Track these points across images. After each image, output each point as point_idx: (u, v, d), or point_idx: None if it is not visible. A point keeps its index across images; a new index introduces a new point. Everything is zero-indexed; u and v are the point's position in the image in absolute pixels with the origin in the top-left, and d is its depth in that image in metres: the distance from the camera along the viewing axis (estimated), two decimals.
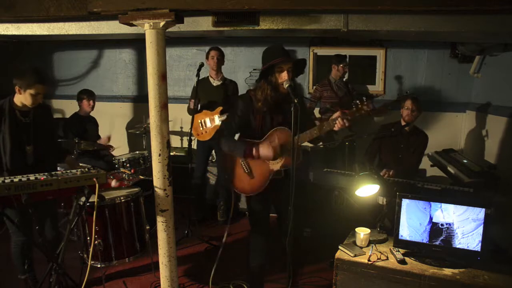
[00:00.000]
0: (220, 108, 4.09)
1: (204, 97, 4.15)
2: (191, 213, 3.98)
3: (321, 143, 4.15)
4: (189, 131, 3.94)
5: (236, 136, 2.61)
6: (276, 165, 2.47)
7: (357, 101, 2.32)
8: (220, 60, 4.11)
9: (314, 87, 4.70)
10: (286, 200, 2.34)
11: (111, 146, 4.54)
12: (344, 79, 4.64)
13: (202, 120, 4.11)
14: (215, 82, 4.13)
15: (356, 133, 4.24)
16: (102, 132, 4.65)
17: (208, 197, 4.61)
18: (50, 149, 2.82)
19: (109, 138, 4.48)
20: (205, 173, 4.43)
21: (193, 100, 4.00)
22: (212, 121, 4.10)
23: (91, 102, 4.35)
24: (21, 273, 2.85)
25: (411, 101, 3.47)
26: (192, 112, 3.90)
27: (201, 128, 4.13)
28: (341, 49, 4.94)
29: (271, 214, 2.70)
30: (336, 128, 2.32)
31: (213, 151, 4.44)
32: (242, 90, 4.35)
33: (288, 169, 2.41)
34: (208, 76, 4.17)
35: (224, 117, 4.02)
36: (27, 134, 2.64)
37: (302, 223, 3.69)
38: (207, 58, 4.15)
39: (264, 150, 2.37)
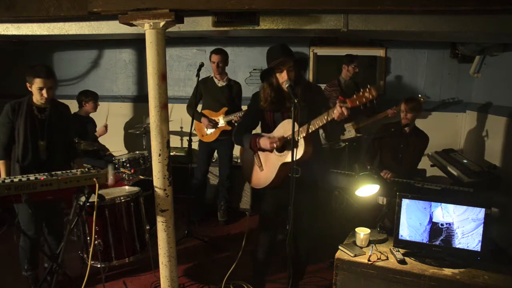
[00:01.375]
0: (225, 109, 4.08)
1: (208, 97, 4.14)
2: (190, 213, 3.98)
3: (325, 144, 4.16)
4: (189, 131, 3.94)
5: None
6: (282, 158, 2.48)
7: (361, 89, 2.18)
8: (222, 65, 4.03)
9: (324, 87, 4.67)
10: (301, 202, 2.34)
11: (107, 150, 4.53)
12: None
13: None
14: (220, 83, 4.11)
15: (362, 135, 4.21)
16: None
17: (208, 197, 4.61)
18: (64, 146, 2.90)
19: (106, 128, 4.47)
20: (206, 174, 4.43)
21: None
22: (217, 121, 4.09)
23: (98, 104, 4.41)
24: (24, 270, 2.85)
25: (404, 104, 3.47)
26: (193, 111, 3.90)
27: (206, 129, 4.13)
28: (341, 49, 4.93)
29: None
30: (335, 117, 2.19)
31: (215, 152, 4.43)
32: (244, 91, 4.34)
33: (305, 168, 2.40)
34: (212, 76, 4.15)
35: (229, 118, 4.03)
36: (41, 130, 2.73)
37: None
38: (210, 59, 4.10)
39: (263, 140, 2.48)
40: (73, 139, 3.14)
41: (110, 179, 3.41)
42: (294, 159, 2.22)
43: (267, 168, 2.59)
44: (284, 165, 2.47)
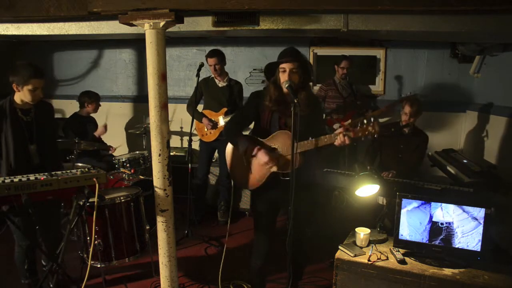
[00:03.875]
0: (225, 109, 4.08)
1: (209, 97, 4.14)
2: (191, 213, 3.98)
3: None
4: (190, 131, 3.94)
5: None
6: (273, 167, 2.46)
7: (364, 121, 2.23)
8: (220, 67, 4.00)
9: (319, 86, 4.69)
10: (295, 201, 2.33)
11: (111, 146, 4.54)
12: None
13: None
14: (221, 83, 4.11)
15: None
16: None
17: (208, 197, 4.61)
18: (53, 147, 2.78)
19: (105, 127, 4.47)
20: (207, 174, 4.43)
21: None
22: (217, 122, 4.09)
23: (100, 105, 4.40)
24: (23, 277, 2.82)
25: (409, 107, 3.44)
26: (193, 111, 3.90)
27: (206, 129, 4.14)
28: (341, 49, 4.94)
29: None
30: (336, 144, 2.26)
31: (216, 152, 4.42)
32: (243, 90, 4.34)
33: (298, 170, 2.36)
34: (213, 77, 4.14)
35: (228, 118, 4.03)
36: (30, 133, 2.58)
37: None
38: (206, 62, 4.09)
39: (261, 154, 2.39)
40: (56, 139, 3.01)
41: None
42: (293, 159, 2.21)
43: (255, 171, 2.54)
44: (274, 173, 2.47)
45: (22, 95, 2.52)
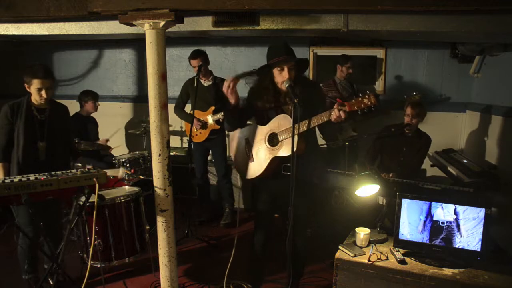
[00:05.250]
0: (213, 108, 4.08)
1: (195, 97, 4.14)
2: (196, 215, 3.97)
3: (324, 144, 4.16)
4: (189, 131, 3.94)
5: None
6: (274, 152, 2.45)
7: (360, 94, 2.16)
8: (204, 67, 3.95)
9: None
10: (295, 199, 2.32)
11: (110, 147, 4.55)
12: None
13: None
14: (206, 83, 4.10)
15: (359, 134, 4.24)
16: (102, 132, 4.66)
17: (213, 198, 4.59)
18: (63, 147, 2.88)
19: (106, 141, 4.50)
20: (206, 173, 4.42)
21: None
22: (206, 121, 4.09)
23: (97, 103, 4.42)
24: (24, 273, 2.84)
25: (411, 108, 3.43)
26: (182, 112, 3.89)
27: (196, 130, 4.12)
28: (341, 49, 4.93)
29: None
30: (332, 119, 2.20)
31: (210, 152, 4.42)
32: (241, 90, 4.32)
33: (299, 165, 2.31)
34: (198, 77, 4.14)
35: (217, 116, 4.02)
36: (41, 130, 2.72)
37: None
38: (190, 64, 4.05)
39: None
40: (73, 139, 3.12)
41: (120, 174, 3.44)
42: (293, 159, 2.21)
43: (257, 159, 2.55)
44: (275, 159, 2.45)
45: (33, 94, 2.66)
